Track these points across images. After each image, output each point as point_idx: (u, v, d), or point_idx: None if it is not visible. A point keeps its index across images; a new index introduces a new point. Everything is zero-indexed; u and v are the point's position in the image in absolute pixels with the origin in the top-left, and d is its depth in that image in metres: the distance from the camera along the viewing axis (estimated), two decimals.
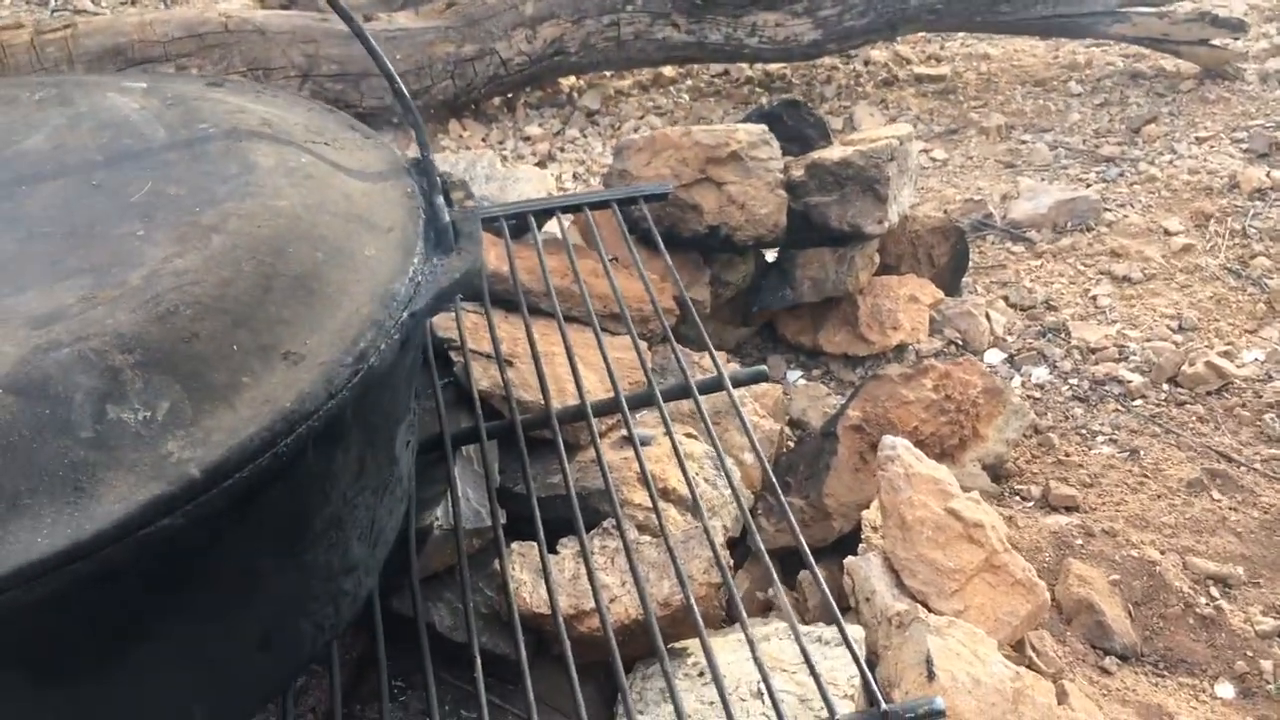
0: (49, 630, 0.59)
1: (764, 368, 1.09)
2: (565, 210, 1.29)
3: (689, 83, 2.37)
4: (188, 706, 0.69)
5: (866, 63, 2.37)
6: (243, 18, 2.11)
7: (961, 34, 2.45)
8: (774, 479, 0.96)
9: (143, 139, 0.85)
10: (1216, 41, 2.09)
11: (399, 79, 0.88)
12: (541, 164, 2.05)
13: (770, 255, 1.48)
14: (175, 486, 0.60)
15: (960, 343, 1.45)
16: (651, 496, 0.95)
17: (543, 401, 1.06)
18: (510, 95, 2.30)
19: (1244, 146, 1.89)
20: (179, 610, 0.65)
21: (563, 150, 2.12)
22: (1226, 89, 2.09)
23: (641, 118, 2.22)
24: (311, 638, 0.78)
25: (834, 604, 0.83)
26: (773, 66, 2.35)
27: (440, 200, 0.85)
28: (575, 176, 2.02)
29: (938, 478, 0.99)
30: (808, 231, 1.37)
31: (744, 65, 2.37)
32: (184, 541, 0.61)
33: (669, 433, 1.01)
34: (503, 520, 0.98)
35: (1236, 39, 2.09)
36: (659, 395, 1.06)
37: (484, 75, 2.17)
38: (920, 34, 2.45)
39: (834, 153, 1.36)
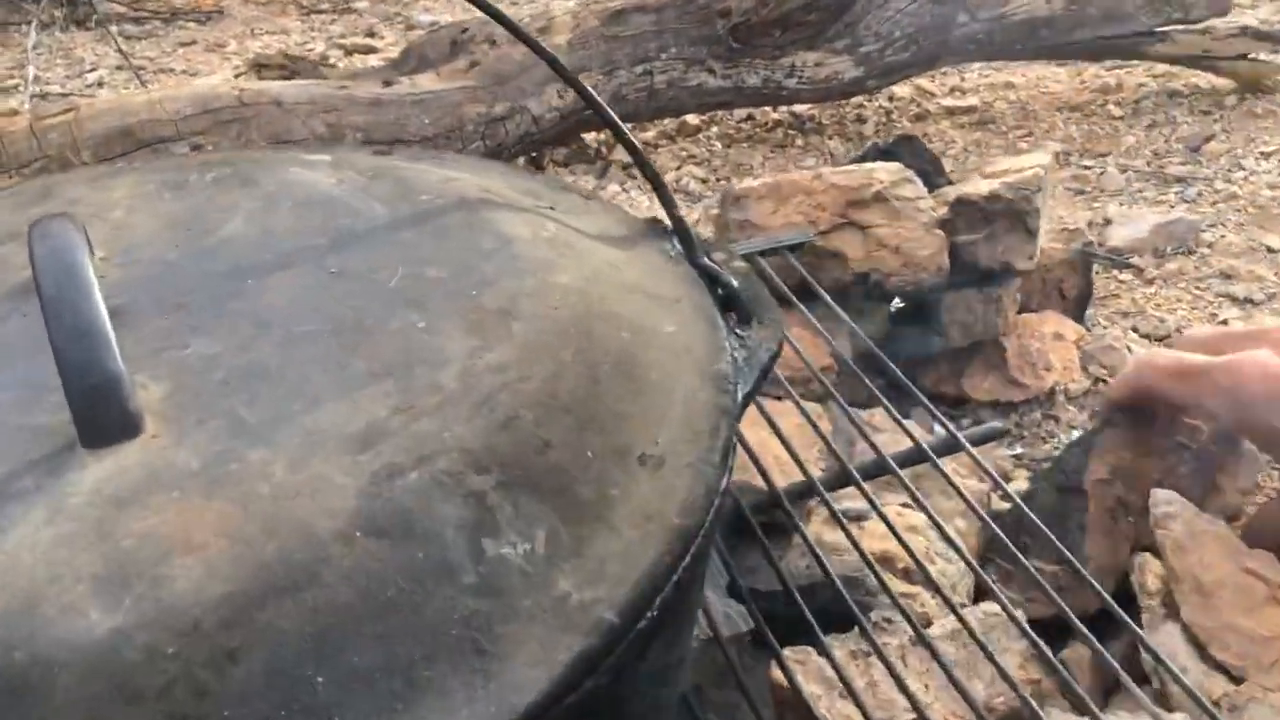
0: None
1: (998, 424, 1.01)
2: None
3: (716, 129, 2.29)
4: None
5: (891, 99, 2.33)
6: (258, 89, 1.98)
7: (978, 63, 2.42)
8: (1010, 543, 0.88)
9: (362, 217, 0.73)
10: (1256, 55, 2.08)
11: (614, 115, 0.77)
12: None
13: (895, 302, 1.40)
14: (594, 637, 0.48)
15: (1109, 379, 1.37)
16: (927, 577, 0.86)
17: (761, 482, 0.96)
18: (536, 154, 2.20)
19: None
20: None
21: None
22: (1270, 102, 2.08)
23: (679, 168, 2.14)
24: None
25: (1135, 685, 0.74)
26: (800, 107, 2.29)
27: (707, 261, 0.74)
28: None
29: (1223, 534, 0.91)
30: (955, 272, 1.29)
31: (768, 108, 2.31)
32: (599, 697, 0.49)
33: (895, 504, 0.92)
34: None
35: (1276, 53, 2.09)
36: (892, 463, 0.96)
37: (515, 134, 2.07)
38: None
39: (980, 186, 1.28)
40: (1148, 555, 0.94)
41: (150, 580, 0.47)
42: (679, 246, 0.76)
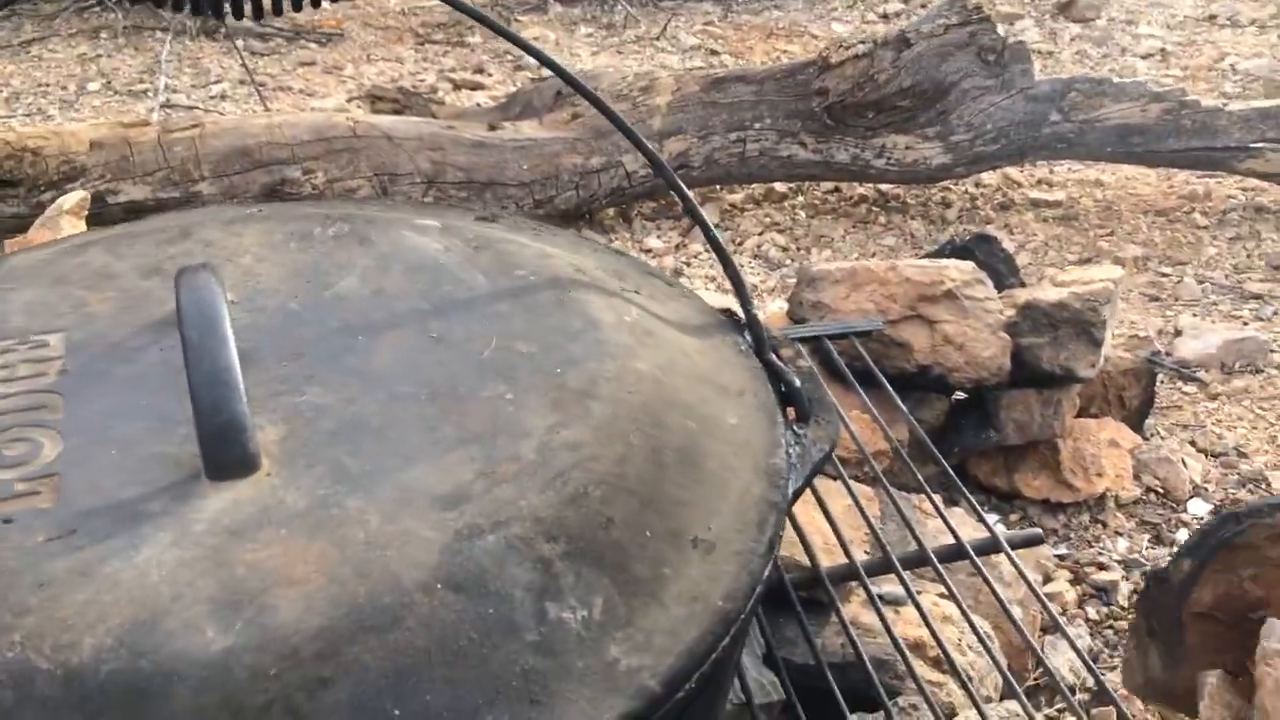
0: None
1: (1039, 530, 1.05)
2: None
3: (801, 199, 2.35)
4: None
5: (978, 184, 2.37)
6: (370, 123, 2.09)
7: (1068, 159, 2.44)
8: (1037, 650, 0.92)
9: (464, 286, 0.80)
10: None
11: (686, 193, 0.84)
12: None
13: (956, 395, 1.44)
14: (637, 701, 0.54)
15: (1161, 490, 1.40)
16: (954, 668, 0.90)
17: (806, 559, 1.01)
18: (625, 206, 2.28)
19: None
20: None
21: (689, 265, 2.09)
22: None
23: (761, 233, 2.20)
24: None
25: None
26: (885, 186, 2.34)
27: (773, 358, 0.81)
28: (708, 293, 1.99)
29: None
30: (1016, 372, 1.34)
31: (855, 184, 2.36)
32: None
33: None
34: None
35: None
36: (933, 556, 1.01)
37: (607, 187, 2.15)
38: None
39: (1050, 294, 1.33)
40: (1216, 678, 0.95)
41: (258, 607, 0.54)
42: (750, 340, 0.82)
